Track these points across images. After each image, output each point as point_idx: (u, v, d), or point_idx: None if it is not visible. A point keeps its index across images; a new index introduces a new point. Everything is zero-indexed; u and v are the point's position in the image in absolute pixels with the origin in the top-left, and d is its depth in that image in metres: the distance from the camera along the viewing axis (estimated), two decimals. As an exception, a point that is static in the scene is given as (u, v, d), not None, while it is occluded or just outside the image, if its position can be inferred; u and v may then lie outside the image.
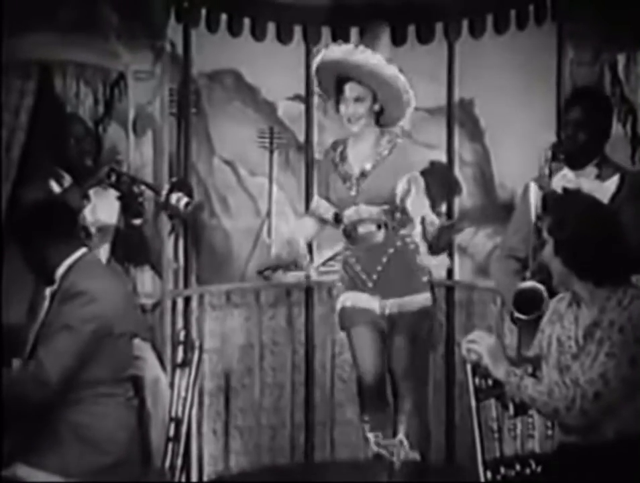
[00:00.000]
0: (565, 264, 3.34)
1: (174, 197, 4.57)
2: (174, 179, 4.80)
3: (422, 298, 4.83)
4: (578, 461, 3.34)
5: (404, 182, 4.79)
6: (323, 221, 5.00)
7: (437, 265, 4.95)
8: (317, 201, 5.03)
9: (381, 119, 4.87)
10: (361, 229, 4.84)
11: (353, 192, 4.84)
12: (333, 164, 4.92)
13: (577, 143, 4.46)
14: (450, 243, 4.68)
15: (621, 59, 4.89)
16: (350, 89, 4.78)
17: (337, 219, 4.95)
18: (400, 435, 4.89)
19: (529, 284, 4.35)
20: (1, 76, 4.71)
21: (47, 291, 3.83)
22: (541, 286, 4.29)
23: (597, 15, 4.88)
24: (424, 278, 4.84)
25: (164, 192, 4.58)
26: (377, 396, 4.89)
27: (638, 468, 3.26)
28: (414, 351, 4.83)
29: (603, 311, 3.30)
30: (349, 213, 4.86)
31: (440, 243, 4.62)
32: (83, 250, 3.83)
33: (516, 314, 4.40)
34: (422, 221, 4.67)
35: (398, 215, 4.82)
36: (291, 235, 5.04)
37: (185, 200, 4.58)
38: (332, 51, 4.80)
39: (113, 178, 4.66)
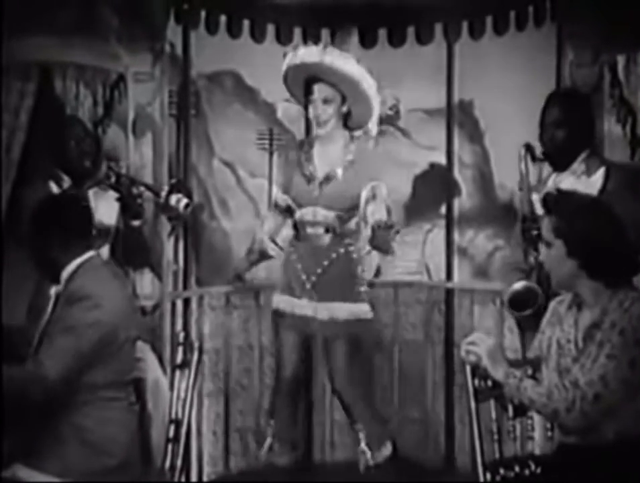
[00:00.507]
0: (580, 265, 3.33)
1: (173, 198, 4.58)
2: (173, 181, 4.82)
3: (358, 308, 4.86)
4: (578, 462, 3.34)
5: (369, 189, 4.80)
6: (283, 212, 5.01)
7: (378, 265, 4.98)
8: (278, 195, 5.05)
9: (349, 121, 4.87)
10: (310, 230, 4.85)
11: (315, 194, 4.84)
12: (299, 162, 4.91)
13: (555, 143, 4.50)
14: (388, 245, 4.71)
15: (621, 60, 4.89)
16: (319, 90, 4.79)
17: (289, 211, 4.96)
18: (362, 445, 4.92)
19: (522, 284, 4.37)
20: (1, 77, 4.71)
21: (53, 291, 3.82)
22: (534, 284, 4.32)
23: (597, 16, 4.88)
24: (361, 288, 4.87)
25: (163, 194, 4.59)
26: (289, 401, 4.96)
27: (639, 469, 3.26)
28: (351, 357, 4.85)
29: (605, 313, 3.29)
30: (305, 212, 4.86)
31: (375, 243, 4.63)
32: (91, 253, 3.83)
33: (514, 312, 4.43)
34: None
35: (351, 225, 4.85)
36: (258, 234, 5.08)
37: (184, 201, 4.58)
38: (301, 54, 4.79)
39: (112, 179, 4.67)
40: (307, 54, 4.77)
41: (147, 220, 4.86)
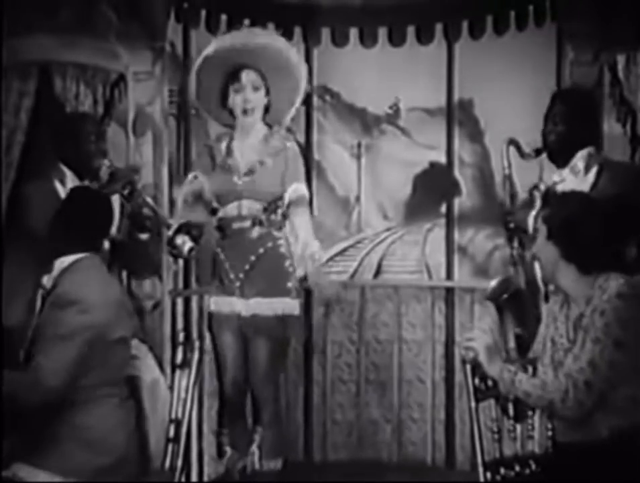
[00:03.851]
0: (556, 244, 3.37)
1: (179, 238, 4.54)
2: (183, 221, 4.74)
3: (285, 304, 4.71)
4: (576, 460, 3.34)
5: (290, 192, 4.74)
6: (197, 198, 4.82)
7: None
8: (185, 188, 4.84)
9: (267, 115, 4.82)
10: (235, 225, 4.74)
11: (238, 187, 4.73)
12: (217, 156, 4.81)
13: (555, 138, 4.46)
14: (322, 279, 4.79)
15: (621, 59, 4.90)
16: (246, 75, 4.70)
17: (214, 211, 4.84)
18: (254, 446, 4.77)
19: (496, 279, 4.38)
20: (0, 77, 4.71)
21: (44, 280, 3.81)
22: (507, 276, 4.33)
23: (596, 16, 4.89)
24: (290, 284, 4.73)
25: (171, 230, 4.55)
26: (238, 409, 4.82)
27: (636, 463, 3.26)
28: (272, 356, 4.71)
29: (589, 302, 3.32)
30: (230, 208, 4.76)
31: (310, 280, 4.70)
32: (87, 254, 3.82)
33: (490, 302, 4.44)
34: (303, 250, 4.68)
35: (277, 216, 4.76)
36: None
37: (189, 245, 4.54)
38: (226, 39, 4.72)
39: (127, 191, 4.63)
40: (234, 38, 4.71)
41: (154, 234, 4.83)
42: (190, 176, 4.88)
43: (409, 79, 5.81)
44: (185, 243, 4.54)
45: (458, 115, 5.83)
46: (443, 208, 5.88)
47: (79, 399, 3.65)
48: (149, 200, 4.69)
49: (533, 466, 3.61)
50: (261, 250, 4.73)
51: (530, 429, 3.64)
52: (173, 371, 3.96)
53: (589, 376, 3.24)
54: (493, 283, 4.39)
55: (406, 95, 5.88)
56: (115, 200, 4.62)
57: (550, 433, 3.59)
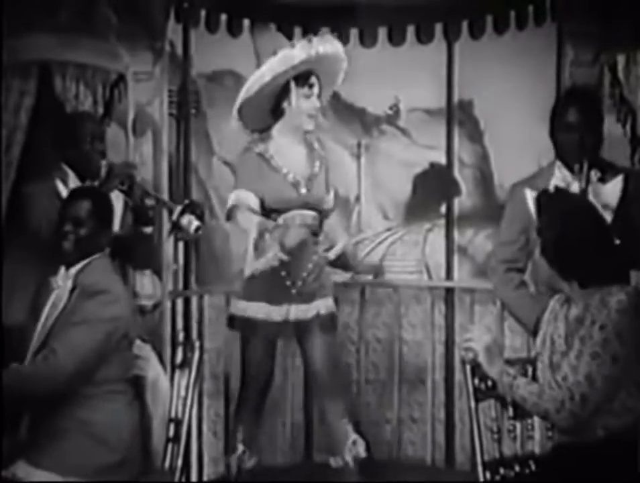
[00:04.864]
0: (550, 264, 3.36)
1: (185, 219, 4.53)
2: (187, 201, 4.72)
3: (330, 303, 4.81)
4: (574, 461, 3.35)
5: (330, 199, 4.86)
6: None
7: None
8: (245, 195, 4.77)
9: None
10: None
11: (301, 197, 4.75)
12: (269, 163, 4.76)
13: (582, 146, 4.33)
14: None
15: (621, 59, 4.89)
16: (317, 82, 4.72)
17: (268, 214, 4.80)
18: (353, 435, 4.80)
19: None
20: (0, 76, 4.71)
21: (58, 282, 3.82)
22: None
23: (597, 16, 4.89)
24: (331, 283, 4.88)
25: (176, 213, 4.54)
26: (257, 408, 4.85)
27: (634, 462, 3.26)
28: (332, 350, 4.79)
29: (587, 308, 3.32)
30: (291, 217, 4.75)
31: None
32: (94, 256, 3.86)
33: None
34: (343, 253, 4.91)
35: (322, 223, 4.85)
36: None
37: (195, 224, 4.53)
38: (312, 47, 4.68)
39: (126, 185, 4.63)
40: (322, 45, 4.70)
41: (157, 227, 4.83)
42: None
43: (409, 79, 5.81)
44: (191, 222, 4.51)
45: (458, 115, 5.83)
46: (443, 209, 5.89)
47: (89, 394, 3.67)
48: (149, 189, 4.70)
49: (533, 466, 3.62)
50: (315, 257, 4.78)
51: (530, 429, 3.65)
52: (173, 371, 3.96)
53: (585, 390, 3.24)
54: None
55: (406, 95, 5.89)
56: (117, 196, 4.63)
57: (550, 433, 3.59)
